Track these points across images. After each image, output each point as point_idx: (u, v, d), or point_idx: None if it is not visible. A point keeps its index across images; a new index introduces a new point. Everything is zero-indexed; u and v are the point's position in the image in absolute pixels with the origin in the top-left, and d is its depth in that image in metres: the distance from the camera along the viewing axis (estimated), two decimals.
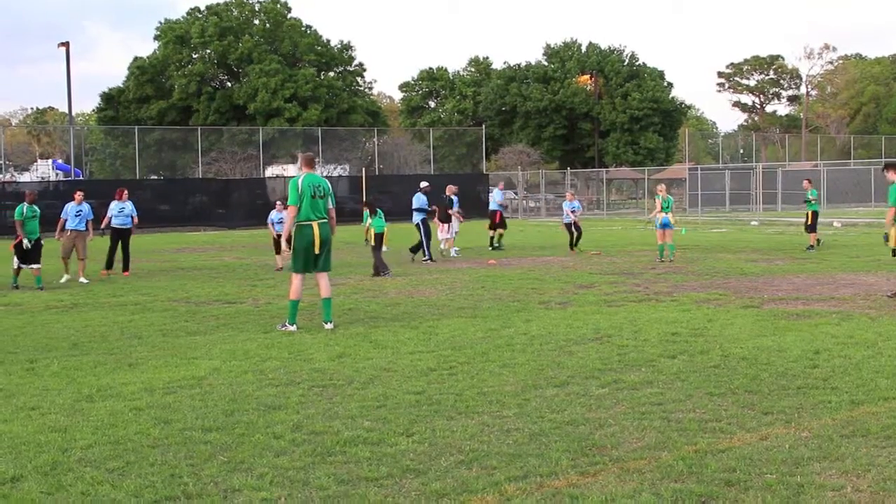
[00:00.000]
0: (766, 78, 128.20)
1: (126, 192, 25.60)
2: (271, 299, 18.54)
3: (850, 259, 24.80)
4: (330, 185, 14.79)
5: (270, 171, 69.38)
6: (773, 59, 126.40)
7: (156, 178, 76.41)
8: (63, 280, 22.96)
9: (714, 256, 26.64)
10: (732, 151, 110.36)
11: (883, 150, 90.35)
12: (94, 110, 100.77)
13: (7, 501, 6.59)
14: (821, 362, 10.74)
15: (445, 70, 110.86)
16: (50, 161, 75.97)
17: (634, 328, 13.62)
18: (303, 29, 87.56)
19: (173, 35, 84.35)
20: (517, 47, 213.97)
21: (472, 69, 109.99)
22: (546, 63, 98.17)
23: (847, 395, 9.12)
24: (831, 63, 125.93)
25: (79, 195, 23.93)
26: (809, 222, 29.59)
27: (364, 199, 29.79)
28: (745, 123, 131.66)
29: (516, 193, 72.92)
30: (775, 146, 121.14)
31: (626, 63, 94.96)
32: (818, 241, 29.17)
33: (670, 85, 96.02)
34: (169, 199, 57.85)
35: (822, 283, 19.41)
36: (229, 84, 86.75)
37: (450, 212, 29.51)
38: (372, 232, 23.83)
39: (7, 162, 65.94)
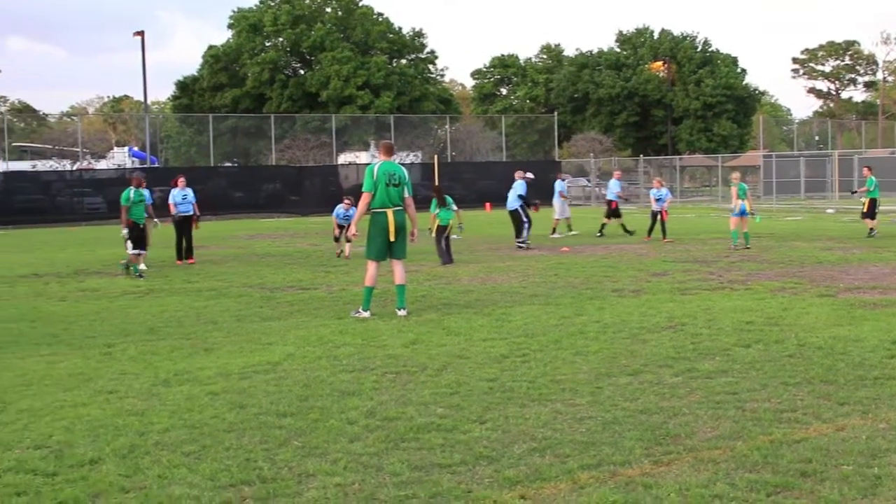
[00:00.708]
0: (842, 64, 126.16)
1: (184, 179, 25.53)
2: (345, 286, 18.63)
3: None
4: (407, 174, 14.78)
5: (343, 159, 69.52)
6: (849, 45, 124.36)
7: (230, 165, 77.02)
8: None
9: (789, 245, 26.36)
10: (807, 138, 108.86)
11: None
12: (168, 98, 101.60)
13: (86, 483, 6.69)
14: None
15: (517, 57, 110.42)
16: (126, 149, 76.71)
17: (708, 317, 13.52)
18: (374, 17, 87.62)
19: (246, 23, 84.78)
20: (589, 34, 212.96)
21: (544, 56, 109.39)
22: (618, 49, 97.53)
23: None
24: None
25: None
26: (866, 209, 29.81)
27: (434, 185, 29.67)
28: (821, 110, 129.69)
29: (588, 181, 72.57)
30: (851, 133, 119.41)
31: (699, 49, 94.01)
32: (871, 230, 29.01)
33: (744, 71, 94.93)
34: (243, 186, 58.25)
35: None
36: (302, 72, 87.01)
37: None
38: (437, 223, 23.75)
39: (84, 150, 66.75)
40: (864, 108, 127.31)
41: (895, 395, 8.71)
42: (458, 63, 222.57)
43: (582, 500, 6.17)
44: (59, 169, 60.79)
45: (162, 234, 26.23)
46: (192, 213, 25.03)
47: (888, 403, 8.40)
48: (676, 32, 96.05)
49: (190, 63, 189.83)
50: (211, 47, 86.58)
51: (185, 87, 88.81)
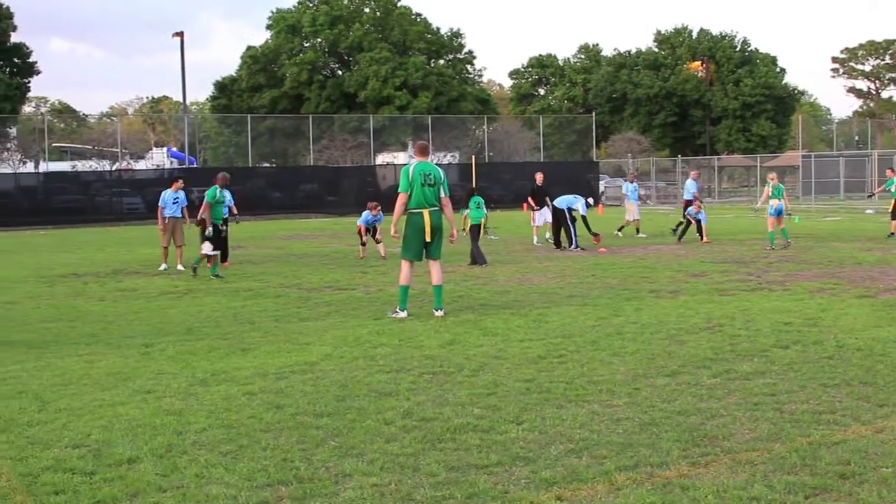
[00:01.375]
0: (882, 63, 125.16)
1: (181, 181, 24.63)
2: (382, 286, 18.66)
3: None
4: (443, 174, 14.77)
5: (381, 159, 69.71)
6: (890, 44, 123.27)
7: (268, 165, 77.32)
8: (161, 269, 23.09)
9: (828, 245, 26.19)
10: (847, 138, 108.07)
11: None
12: (207, 99, 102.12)
13: (123, 483, 6.72)
14: None
15: (555, 57, 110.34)
16: (165, 149, 77.29)
17: (746, 318, 13.45)
18: (412, 17, 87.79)
19: (285, 24, 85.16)
20: (627, 34, 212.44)
21: (582, 56, 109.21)
22: (656, 49, 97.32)
23: None
24: None
25: (177, 183, 23.95)
26: (892, 209, 29.73)
27: (471, 186, 29.64)
28: (861, 110, 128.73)
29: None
30: (892, 133, 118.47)
31: (737, 49, 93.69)
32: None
33: (783, 71, 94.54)
34: (281, 187, 58.53)
35: None
36: (340, 72, 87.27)
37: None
38: (469, 223, 23.86)
39: (123, 150, 67.16)
40: None
41: None
42: (496, 63, 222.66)
43: (619, 502, 6.15)
44: (99, 169, 61.46)
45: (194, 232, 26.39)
46: (226, 214, 24.34)
47: None
48: (715, 32, 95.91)
49: (229, 64, 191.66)
50: (249, 48, 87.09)
51: (223, 87, 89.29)
